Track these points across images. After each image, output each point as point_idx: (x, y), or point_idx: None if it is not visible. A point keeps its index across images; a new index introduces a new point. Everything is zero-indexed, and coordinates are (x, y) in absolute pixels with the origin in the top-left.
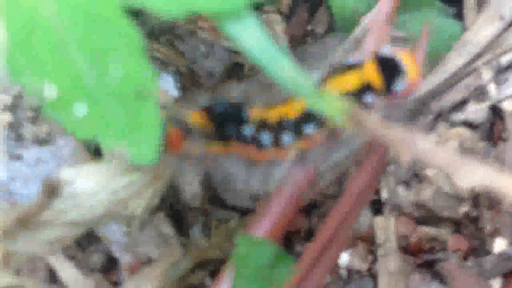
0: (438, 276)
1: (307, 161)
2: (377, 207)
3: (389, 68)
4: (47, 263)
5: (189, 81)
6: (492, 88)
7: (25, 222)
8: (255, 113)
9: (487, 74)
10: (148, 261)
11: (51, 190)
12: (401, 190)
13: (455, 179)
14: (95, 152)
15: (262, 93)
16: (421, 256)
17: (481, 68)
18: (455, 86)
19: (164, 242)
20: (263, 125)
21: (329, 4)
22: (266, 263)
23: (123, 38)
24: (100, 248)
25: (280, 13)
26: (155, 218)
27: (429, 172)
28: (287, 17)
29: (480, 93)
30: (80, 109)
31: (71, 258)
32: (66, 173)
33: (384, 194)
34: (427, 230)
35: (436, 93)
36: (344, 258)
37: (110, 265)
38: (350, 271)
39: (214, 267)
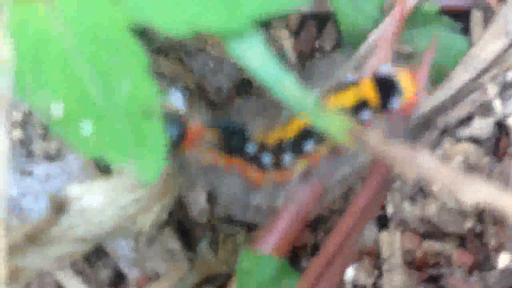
0: None
1: (312, 178)
2: (382, 222)
3: (386, 87)
4: (56, 278)
5: (197, 97)
6: (497, 104)
7: (34, 238)
8: (257, 134)
9: (492, 90)
10: (156, 276)
11: (59, 206)
12: (406, 206)
13: (458, 196)
14: (104, 168)
15: (268, 110)
16: (426, 271)
17: (487, 83)
18: (460, 101)
19: (172, 257)
20: (264, 147)
21: (336, 20)
22: (269, 278)
23: (129, 57)
24: (108, 264)
25: (289, 29)
26: (162, 233)
27: (434, 188)
28: (296, 33)
29: (485, 108)
30: (87, 127)
31: (80, 273)
32: (74, 189)
33: (390, 210)
34: (432, 245)
35: (442, 108)
36: (350, 273)
37: (118, 280)
38: (355, 286)
39: (221, 282)
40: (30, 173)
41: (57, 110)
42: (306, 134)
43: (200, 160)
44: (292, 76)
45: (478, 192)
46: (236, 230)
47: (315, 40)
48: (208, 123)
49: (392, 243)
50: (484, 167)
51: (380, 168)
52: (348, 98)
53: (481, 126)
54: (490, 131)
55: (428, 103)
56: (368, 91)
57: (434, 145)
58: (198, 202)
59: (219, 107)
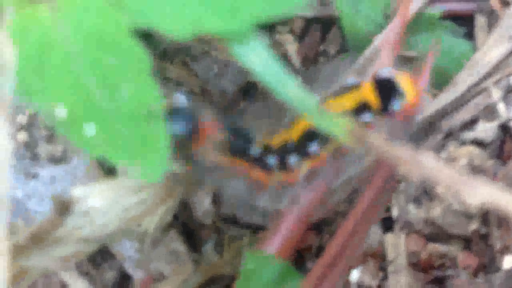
0: None
1: (316, 179)
2: (387, 224)
3: (387, 89)
4: (61, 279)
5: (202, 101)
6: (501, 107)
7: (39, 238)
8: (262, 136)
9: (496, 94)
10: (161, 278)
11: (64, 207)
12: (411, 208)
13: (462, 197)
14: (109, 171)
15: (272, 113)
16: (431, 273)
17: (491, 87)
18: (465, 105)
19: (176, 259)
20: (269, 149)
21: (341, 25)
22: (273, 279)
23: (132, 60)
24: (113, 265)
25: (293, 33)
26: (167, 235)
27: (439, 190)
28: (300, 37)
29: (489, 112)
30: (91, 129)
31: (85, 274)
32: (79, 191)
33: (395, 212)
34: (437, 247)
35: (446, 112)
36: (355, 275)
37: (123, 282)
38: (360, 287)
39: (226, 284)
40: (35, 176)
41: (61, 112)
42: (311, 136)
43: (208, 159)
44: (295, 78)
45: (483, 193)
46: (241, 232)
47: (320, 44)
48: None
49: (397, 245)
50: (488, 170)
51: (383, 170)
52: (350, 101)
53: (485, 130)
54: (494, 134)
55: (432, 106)
56: (369, 94)
57: (439, 148)
58: (202, 204)
59: (224, 110)
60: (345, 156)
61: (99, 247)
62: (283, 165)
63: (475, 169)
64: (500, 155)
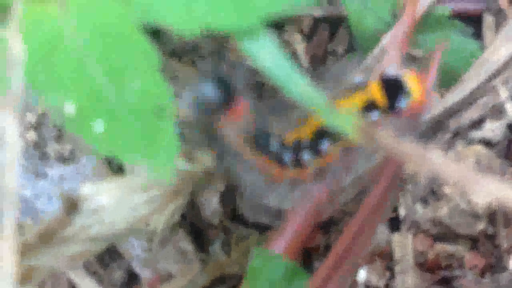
0: None
1: (325, 178)
2: (394, 224)
3: (393, 88)
4: (69, 278)
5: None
6: (509, 107)
7: (47, 237)
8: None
9: (504, 93)
10: (168, 277)
11: (72, 206)
12: (418, 208)
13: (470, 194)
14: (118, 169)
15: (281, 112)
16: (438, 273)
17: (499, 86)
18: (473, 104)
19: (184, 258)
20: (285, 145)
21: (349, 24)
22: (280, 278)
23: (141, 56)
24: (121, 264)
25: (301, 32)
26: (175, 234)
27: (446, 190)
28: (308, 36)
29: (497, 111)
30: (99, 125)
31: (93, 273)
32: (87, 189)
33: (402, 212)
34: (444, 247)
35: (454, 111)
36: (362, 274)
37: (131, 281)
38: (368, 287)
39: (233, 283)
40: (44, 175)
41: (69, 109)
42: (321, 134)
43: (232, 143)
44: (304, 75)
45: (491, 190)
46: (248, 231)
47: (328, 43)
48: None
49: (404, 245)
50: (496, 169)
51: (391, 168)
52: (357, 99)
53: (493, 129)
54: (502, 133)
55: (440, 105)
56: (376, 92)
57: (447, 147)
58: (210, 203)
59: None
60: (354, 154)
61: (107, 246)
62: (297, 162)
63: (483, 168)
64: (507, 155)
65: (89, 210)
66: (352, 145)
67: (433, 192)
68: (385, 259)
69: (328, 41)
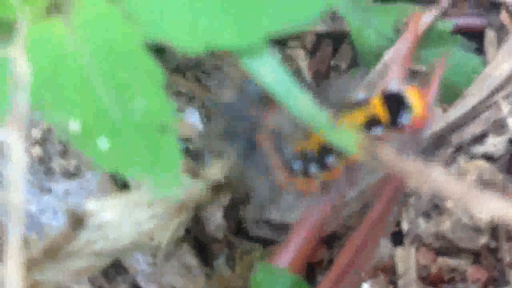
0: None
1: (329, 193)
2: (397, 238)
3: (395, 103)
4: None
5: (214, 115)
6: (511, 122)
7: (52, 252)
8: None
9: (506, 108)
10: None
11: (77, 221)
12: (421, 222)
13: (472, 210)
14: (122, 185)
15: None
16: (441, 287)
17: (501, 101)
18: (475, 119)
19: (189, 273)
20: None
21: (352, 39)
22: None
23: (145, 74)
24: (126, 279)
25: (304, 48)
26: (180, 249)
27: (449, 204)
28: (311, 52)
29: (499, 126)
30: (104, 142)
31: None
32: (92, 205)
33: (405, 226)
34: (447, 261)
35: (457, 126)
36: None
37: None
38: None
39: None
40: (49, 190)
41: (74, 126)
42: (326, 148)
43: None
44: (306, 92)
45: (492, 207)
46: (252, 246)
47: (331, 59)
48: None
49: (407, 259)
50: (498, 184)
51: (393, 183)
52: (359, 115)
53: (495, 144)
54: (504, 148)
55: (443, 120)
56: (378, 107)
57: (449, 162)
58: (214, 218)
59: None
60: (357, 170)
61: (112, 261)
62: (305, 172)
63: (485, 183)
64: (510, 169)
65: (94, 226)
66: (356, 161)
67: (435, 207)
68: (388, 273)
69: (331, 56)
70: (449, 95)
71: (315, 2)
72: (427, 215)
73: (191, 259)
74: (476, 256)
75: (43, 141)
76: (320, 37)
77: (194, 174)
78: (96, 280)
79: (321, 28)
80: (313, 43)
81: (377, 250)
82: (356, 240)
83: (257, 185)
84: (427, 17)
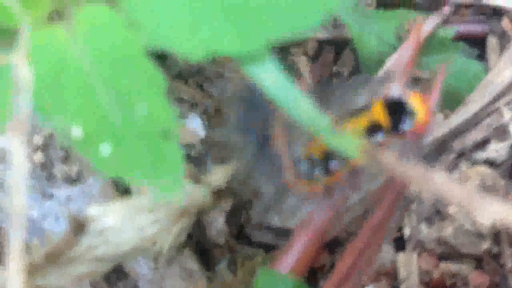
0: None
1: (331, 198)
2: (399, 244)
3: (397, 109)
4: None
5: (216, 122)
6: None
7: (54, 257)
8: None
9: (508, 114)
10: None
11: (79, 226)
12: (423, 227)
13: (474, 216)
14: (124, 190)
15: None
16: None
17: (503, 108)
18: (477, 125)
19: (190, 278)
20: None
21: (354, 46)
22: None
23: (147, 80)
24: (128, 284)
25: (306, 54)
26: (181, 254)
27: (451, 210)
28: (313, 58)
29: (501, 132)
30: (106, 148)
31: None
32: (93, 210)
33: (407, 231)
34: (449, 266)
35: (459, 132)
36: None
37: None
38: None
39: None
40: (51, 196)
41: (76, 132)
42: (329, 153)
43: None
44: (307, 98)
45: (494, 212)
46: (254, 251)
47: (333, 65)
48: None
49: (409, 264)
50: (500, 190)
51: (394, 188)
52: (361, 121)
53: (497, 150)
54: (506, 154)
55: (445, 126)
56: (379, 113)
57: (451, 168)
58: (216, 223)
59: None
60: (359, 174)
61: (113, 266)
62: (309, 175)
63: (487, 189)
64: (511, 175)
65: (96, 231)
66: (358, 166)
67: (437, 212)
68: (390, 278)
69: (333, 63)
70: (451, 101)
71: (316, 9)
72: (429, 221)
73: (193, 264)
74: (478, 262)
75: (45, 147)
76: (322, 44)
77: (196, 179)
78: (97, 285)
79: (323, 34)
80: (315, 50)
81: (379, 255)
82: (357, 244)
83: (264, 185)
84: (428, 24)
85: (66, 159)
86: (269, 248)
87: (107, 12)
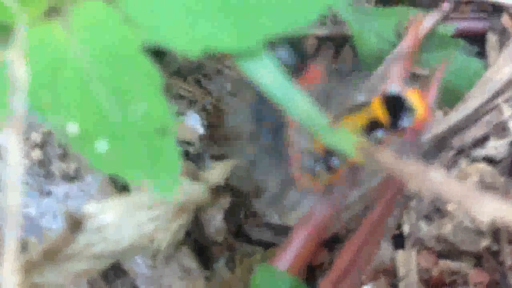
0: None
1: (331, 195)
2: (399, 241)
3: (396, 105)
4: None
5: (214, 119)
6: None
7: (52, 255)
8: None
9: (507, 111)
10: None
11: (76, 224)
12: (422, 225)
13: (472, 213)
14: (122, 188)
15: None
16: None
17: (502, 105)
18: (476, 122)
19: (188, 276)
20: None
21: (353, 43)
22: None
23: (144, 77)
24: (126, 282)
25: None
26: (179, 251)
27: (450, 207)
28: (313, 55)
29: (501, 129)
30: (102, 145)
31: None
32: (91, 207)
33: (406, 229)
34: (449, 264)
35: (458, 129)
36: None
37: None
38: None
39: None
40: (49, 193)
41: (72, 128)
42: (330, 150)
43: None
44: (305, 95)
45: (493, 209)
46: (253, 248)
47: (332, 62)
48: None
49: (408, 261)
50: (499, 187)
51: (392, 186)
52: (360, 118)
53: (497, 147)
54: (505, 151)
55: (444, 123)
56: (378, 110)
57: (450, 165)
58: (215, 221)
59: None
60: (359, 172)
61: (111, 263)
62: (311, 171)
63: (486, 186)
64: (511, 172)
65: (94, 228)
66: (357, 163)
67: (437, 210)
68: (389, 276)
69: (333, 60)
70: (450, 98)
71: (314, 5)
72: (428, 218)
73: (191, 262)
74: (477, 259)
75: (43, 144)
76: (321, 41)
77: (194, 177)
78: (95, 283)
79: (322, 31)
80: (314, 47)
81: (378, 253)
82: (355, 241)
83: (270, 178)
84: (428, 20)
85: (64, 156)
86: (267, 246)
87: (104, 8)
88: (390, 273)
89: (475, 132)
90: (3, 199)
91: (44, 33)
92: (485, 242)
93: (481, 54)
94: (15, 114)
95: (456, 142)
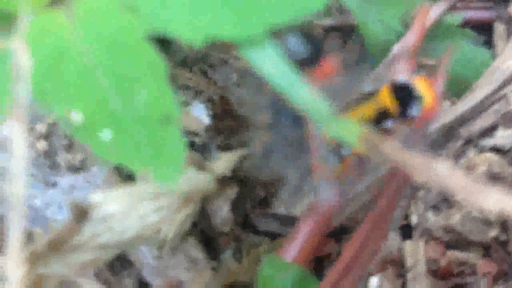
0: None
1: (338, 185)
2: (406, 231)
3: (404, 94)
4: (80, 286)
5: (220, 109)
6: None
7: (57, 245)
8: None
9: None
10: (179, 285)
11: (81, 214)
12: (430, 215)
13: (477, 204)
14: (128, 178)
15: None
16: (450, 280)
17: (510, 94)
18: (484, 112)
19: (195, 266)
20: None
21: (360, 33)
22: (290, 285)
23: (148, 66)
24: (132, 272)
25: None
26: (186, 242)
27: (458, 197)
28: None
29: (508, 119)
30: (106, 135)
31: (104, 281)
32: (96, 197)
33: (414, 219)
34: (457, 254)
35: (466, 119)
36: (374, 281)
37: None
38: None
39: None
40: (54, 184)
41: (76, 117)
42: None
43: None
44: (308, 84)
45: (499, 201)
46: (260, 239)
47: (338, 52)
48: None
49: (416, 252)
50: (508, 176)
51: (397, 177)
52: (368, 108)
53: (504, 136)
54: None
55: (452, 113)
56: (386, 100)
57: (458, 155)
58: (221, 211)
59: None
60: (366, 162)
61: (117, 254)
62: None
63: (494, 176)
64: None
65: (99, 218)
66: (362, 154)
67: (445, 200)
68: (397, 266)
69: (339, 50)
70: (458, 88)
71: None
72: (436, 208)
73: (198, 253)
74: (486, 249)
75: (48, 135)
76: (327, 31)
77: (200, 167)
78: (101, 273)
79: (328, 21)
80: (321, 37)
81: (386, 243)
82: (362, 232)
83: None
84: (435, 10)
85: (69, 147)
86: (274, 236)
87: None
88: (398, 264)
89: (483, 121)
90: (8, 190)
91: (48, 21)
92: (493, 232)
93: (489, 43)
94: (19, 103)
95: (464, 132)
